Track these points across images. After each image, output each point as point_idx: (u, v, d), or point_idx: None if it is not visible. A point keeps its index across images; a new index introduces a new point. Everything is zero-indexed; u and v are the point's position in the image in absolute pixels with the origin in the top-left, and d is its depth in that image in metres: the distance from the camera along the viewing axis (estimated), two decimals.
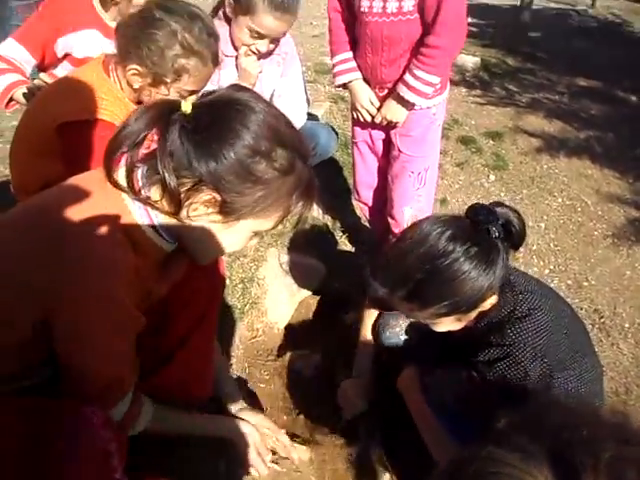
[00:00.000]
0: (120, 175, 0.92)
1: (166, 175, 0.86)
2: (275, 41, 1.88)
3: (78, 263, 0.86)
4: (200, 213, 0.91)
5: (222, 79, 1.94)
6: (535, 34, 6.11)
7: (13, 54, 1.75)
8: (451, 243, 1.12)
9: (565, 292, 2.46)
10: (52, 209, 0.91)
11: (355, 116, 1.90)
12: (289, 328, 1.93)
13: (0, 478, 0.84)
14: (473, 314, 1.24)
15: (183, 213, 0.92)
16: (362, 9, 1.68)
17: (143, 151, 0.91)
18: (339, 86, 1.90)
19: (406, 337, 1.56)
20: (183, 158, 0.87)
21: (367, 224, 2.27)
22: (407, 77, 1.68)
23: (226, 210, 0.91)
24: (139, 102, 1.48)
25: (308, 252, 2.10)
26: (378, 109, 1.81)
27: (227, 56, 1.91)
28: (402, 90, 1.70)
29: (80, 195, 0.92)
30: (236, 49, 1.89)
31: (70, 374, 0.92)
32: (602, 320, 2.37)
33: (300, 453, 1.50)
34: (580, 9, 8.10)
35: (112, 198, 0.92)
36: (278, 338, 1.89)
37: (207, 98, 0.92)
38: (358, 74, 1.81)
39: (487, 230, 1.14)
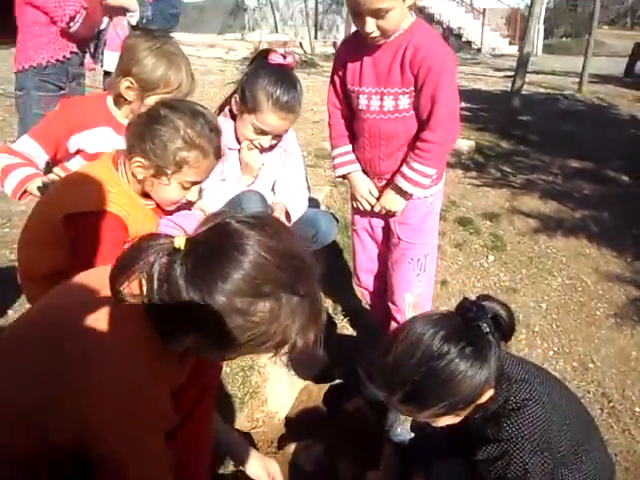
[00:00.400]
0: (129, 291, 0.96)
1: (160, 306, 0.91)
2: (277, 137, 1.98)
3: (115, 391, 0.90)
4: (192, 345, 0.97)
5: (226, 171, 2.03)
6: (526, 118, 6.41)
7: (28, 149, 1.85)
8: (445, 344, 1.14)
9: (571, 375, 2.42)
10: (71, 325, 0.94)
11: (355, 205, 1.97)
12: (290, 417, 1.89)
13: None
14: (471, 408, 1.24)
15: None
16: (360, 107, 1.78)
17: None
18: (339, 177, 1.98)
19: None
20: (173, 299, 0.90)
21: (368, 307, 2.28)
22: (404, 169, 1.76)
23: (213, 347, 0.97)
24: (144, 194, 1.55)
25: None
26: (377, 199, 1.88)
27: (231, 149, 2.01)
28: (400, 181, 1.77)
29: (98, 308, 0.96)
30: (239, 143, 1.99)
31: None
32: (611, 404, 2.31)
33: None
34: (567, 93, 8.53)
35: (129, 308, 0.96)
36: (279, 428, 1.84)
37: (202, 235, 0.93)
38: (357, 166, 1.89)
39: (478, 326, 1.17)
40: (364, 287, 2.13)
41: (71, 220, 1.41)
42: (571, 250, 3.44)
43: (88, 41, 2.42)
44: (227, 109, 2.04)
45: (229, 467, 1.59)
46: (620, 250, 3.45)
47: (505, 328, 1.21)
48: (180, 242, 0.91)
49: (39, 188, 1.70)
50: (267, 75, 1.88)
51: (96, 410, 0.89)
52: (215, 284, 0.88)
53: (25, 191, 1.78)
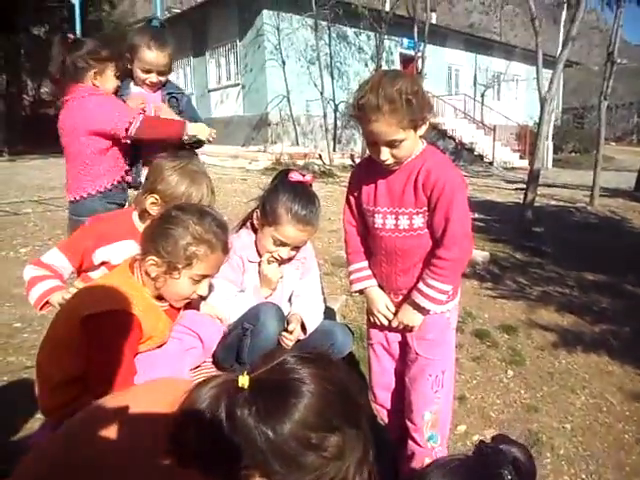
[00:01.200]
0: None
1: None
2: (295, 249, 2.06)
3: None
4: None
5: (245, 282, 2.09)
6: (539, 229, 6.52)
7: (54, 262, 1.95)
8: None
9: None
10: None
11: (372, 320, 1.98)
12: None
13: None
14: None
15: None
16: (376, 225, 1.86)
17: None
18: (355, 292, 2.02)
19: None
20: (238, 439, 0.90)
21: (383, 423, 2.20)
22: (421, 286, 1.79)
23: None
24: (159, 297, 1.61)
25: None
26: (394, 314, 1.89)
27: (251, 262, 2.08)
28: (417, 297, 1.80)
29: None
30: (260, 256, 2.07)
31: None
32: None
33: None
34: (579, 206, 8.74)
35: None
36: None
37: (264, 374, 0.95)
38: (374, 281, 1.94)
39: (500, 474, 1.10)
40: (380, 404, 2.07)
41: (88, 321, 1.46)
42: (592, 367, 3.35)
43: (156, 147, 2.41)
44: (249, 223, 2.15)
45: None
46: None
47: (525, 475, 1.11)
48: (244, 381, 0.92)
49: (60, 304, 1.77)
50: (287, 191, 2.01)
51: None
52: (287, 419, 0.88)
53: (47, 302, 1.86)
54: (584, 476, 2.46)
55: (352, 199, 1.97)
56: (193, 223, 1.54)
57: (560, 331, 3.75)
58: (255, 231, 2.11)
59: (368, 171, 1.89)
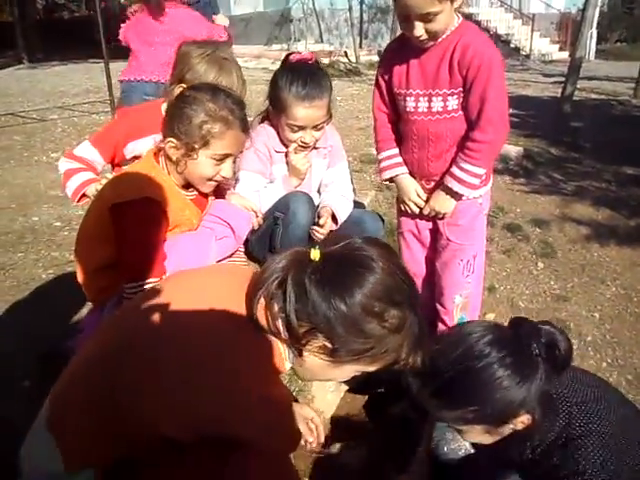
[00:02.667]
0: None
1: (291, 316, 0.97)
2: (317, 128, 1.99)
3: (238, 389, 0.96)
4: (312, 351, 1.01)
5: (274, 173, 2.07)
6: (577, 124, 6.22)
7: (87, 155, 1.95)
8: (488, 347, 1.13)
9: (626, 388, 2.32)
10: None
11: (403, 208, 1.96)
12: (335, 418, 1.89)
13: None
14: (504, 430, 1.20)
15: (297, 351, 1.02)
16: (408, 109, 1.78)
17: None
18: (385, 180, 1.98)
19: (464, 455, 1.51)
20: (306, 304, 0.96)
21: None
22: (454, 169, 1.75)
23: (335, 355, 0.99)
24: (186, 186, 1.61)
25: None
26: (425, 201, 1.87)
27: (277, 152, 2.05)
28: (450, 182, 1.76)
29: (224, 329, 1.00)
30: (285, 146, 2.03)
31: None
32: None
33: None
34: (622, 99, 8.23)
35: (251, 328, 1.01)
36: (324, 427, 1.85)
37: (335, 249, 1.00)
38: (404, 168, 1.89)
39: (529, 346, 1.15)
40: None
41: (116, 210, 1.48)
42: (625, 259, 3.31)
43: None
44: (267, 122, 2.10)
45: None
46: None
47: (559, 360, 1.16)
48: (315, 254, 0.97)
49: (95, 193, 1.79)
50: (285, 73, 1.96)
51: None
52: (354, 286, 0.94)
53: (84, 194, 1.88)
54: (610, 360, 2.52)
55: (382, 83, 1.88)
56: (206, 100, 1.50)
57: (594, 225, 3.69)
58: (274, 126, 2.06)
59: (399, 52, 1.79)
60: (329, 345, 0.97)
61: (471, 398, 1.13)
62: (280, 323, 0.99)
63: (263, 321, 1.00)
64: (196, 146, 1.50)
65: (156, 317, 0.99)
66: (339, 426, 1.86)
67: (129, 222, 1.48)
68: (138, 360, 0.96)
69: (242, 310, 1.00)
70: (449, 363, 1.14)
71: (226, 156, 1.56)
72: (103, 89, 6.14)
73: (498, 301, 2.80)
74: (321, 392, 1.86)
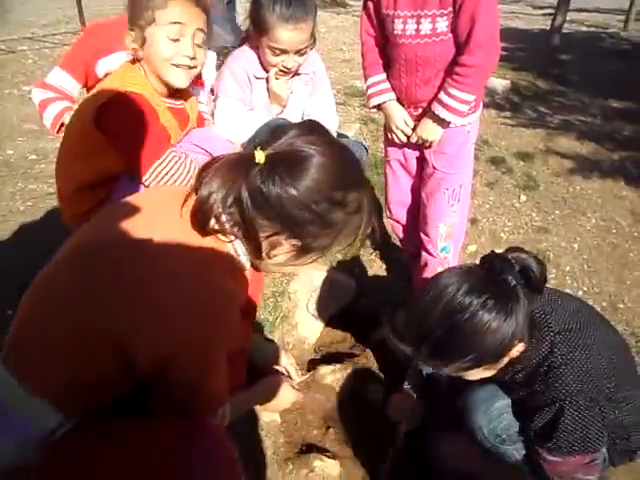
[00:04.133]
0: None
1: (252, 224, 0.95)
2: (300, 53, 1.92)
3: (203, 300, 0.91)
4: (281, 253, 1.01)
5: (254, 100, 2.01)
6: (566, 57, 6.11)
7: (60, 82, 1.86)
8: (467, 297, 1.13)
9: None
10: (153, 253, 0.94)
11: (390, 137, 1.93)
12: (319, 343, 1.94)
13: None
14: (502, 363, 1.23)
15: (264, 254, 1.01)
16: (395, 32, 1.72)
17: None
18: (373, 107, 1.93)
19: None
20: (264, 209, 0.94)
21: (397, 242, 2.28)
22: (442, 96, 1.71)
23: (304, 250, 1.00)
24: (168, 96, 1.55)
25: (339, 269, 2.11)
26: (413, 129, 1.84)
27: (257, 78, 1.98)
28: (437, 109, 1.72)
29: (171, 237, 0.96)
30: (266, 71, 1.95)
31: (178, 394, 0.95)
32: (638, 343, 2.31)
33: (330, 468, 1.51)
34: (612, 32, 8.06)
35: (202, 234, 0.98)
36: (308, 352, 1.90)
37: (278, 146, 0.96)
38: (392, 95, 1.84)
39: (504, 280, 1.15)
40: (395, 219, 2.11)
41: (100, 114, 1.41)
42: (607, 192, 3.35)
43: None
44: (247, 44, 2.00)
45: None
46: None
47: (535, 281, 1.17)
48: (260, 156, 0.94)
49: None
50: None
51: (177, 330, 0.89)
52: (310, 179, 0.93)
53: (62, 124, 1.81)
54: (586, 289, 2.60)
55: (370, 4, 1.79)
56: None
57: (578, 158, 3.70)
58: (254, 48, 1.97)
59: None
60: (298, 243, 0.98)
61: (465, 349, 1.15)
62: (240, 235, 0.99)
63: (224, 238, 0.98)
64: (143, 23, 1.43)
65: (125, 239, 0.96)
66: (322, 351, 1.91)
67: (118, 118, 1.42)
68: (119, 278, 0.92)
69: (194, 229, 0.97)
70: (434, 323, 1.14)
71: (179, 31, 1.45)
72: (75, 19, 5.82)
73: (480, 233, 2.83)
74: (305, 318, 1.90)
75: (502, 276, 1.15)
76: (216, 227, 0.97)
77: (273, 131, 1.00)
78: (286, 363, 1.63)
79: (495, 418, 1.38)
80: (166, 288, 0.90)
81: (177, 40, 1.46)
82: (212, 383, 0.98)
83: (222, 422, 1.07)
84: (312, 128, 1.00)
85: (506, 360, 1.22)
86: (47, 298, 0.95)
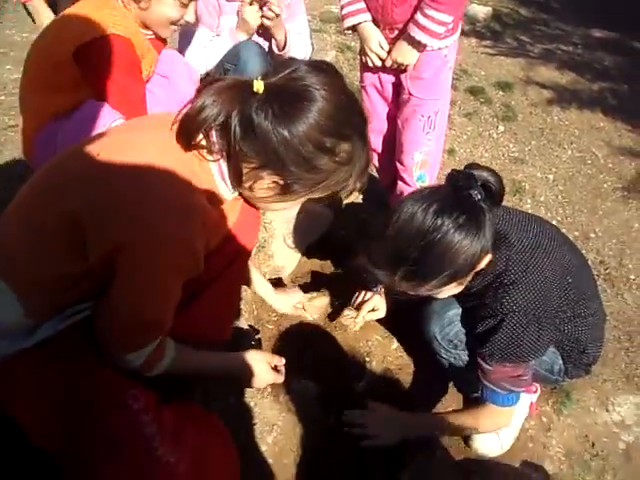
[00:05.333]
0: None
1: (238, 153, 0.93)
2: None
3: (160, 205, 0.88)
4: (262, 188, 0.99)
5: (221, 24, 1.92)
6: None
7: None
8: (439, 217, 1.14)
9: None
10: (123, 155, 0.92)
11: (364, 60, 1.86)
12: (296, 272, 1.94)
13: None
14: (471, 275, 1.28)
15: (246, 185, 0.99)
16: None
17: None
18: (348, 29, 1.84)
19: None
20: (253, 139, 0.92)
21: (374, 173, 2.25)
22: (418, 16, 1.64)
23: (286, 190, 0.98)
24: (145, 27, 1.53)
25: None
26: (388, 52, 1.77)
27: (228, 1, 1.88)
28: (413, 30, 1.66)
29: (150, 143, 0.94)
30: None
31: (115, 308, 0.94)
32: (607, 271, 2.37)
33: (308, 389, 1.55)
34: None
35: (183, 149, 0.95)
36: (285, 282, 1.91)
37: (279, 79, 0.93)
38: (368, 15, 1.76)
39: (469, 195, 1.16)
40: (372, 148, 2.07)
41: (82, 52, 1.39)
42: (584, 123, 3.34)
43: None
44: None
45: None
46: (635, 124, 3.35)
47: (495, 194, 1.20)
48: (259, 85, 0.91)
49: None
50: None
51: (142, 233, 0.87)
52: (302, 120, 0.90)
53: None
54: (559, 219, 2.64)
55: None
56: None
57: (557, 88, 3.65)
58: None
59: None
60: (280, 182, 0.97)
61: (440, 268, 1.17)
62: (223, 161, 0.97)
63: (209, 156, 0.96)
64: None
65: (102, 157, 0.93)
66: (299, 280, 1.92)
67: (99, 60, 1.40)
68: (87, 167, 0.92)
69: (180, 141, 0.95)
70: (409, 245, 1.15)
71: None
72: None
73: (457, 164, 2.82)
74: (281, 248, 1.89)
75: (467, 192, 1.17)
76: (202, 143, 0.95)
77: (282, 62, 0.97)
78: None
79: (447, 325, 1.48)
80: (128, 183, 0.88)
81: (186, 6, 1.50)
82: (153, 301, 0.95)
83: (158, 356, 1.04)
84: (325, 69, 0.96)
85: (474, 273, 1.27)
86: (23, 198, 0.97)
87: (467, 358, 1.50)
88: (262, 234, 1.86)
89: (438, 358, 1.56)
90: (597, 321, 1.50)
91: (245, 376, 1.29)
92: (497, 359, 1.31)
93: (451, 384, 1.73)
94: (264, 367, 1.31)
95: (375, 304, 1.65)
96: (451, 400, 1.72)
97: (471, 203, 1.16)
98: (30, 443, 0.95)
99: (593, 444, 1.74)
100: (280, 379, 1.36)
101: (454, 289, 1.28)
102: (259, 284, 1.66)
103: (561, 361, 1.51)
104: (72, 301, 0.98)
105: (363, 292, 1.70)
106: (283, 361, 1.38)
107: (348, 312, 1.70)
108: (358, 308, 1.67)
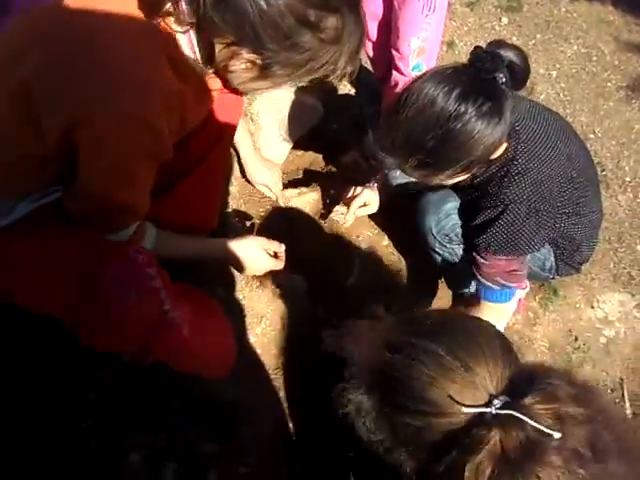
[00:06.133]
0: None
1: (205, 22, 0.81)
2: None
3: (116, 78, 0.79)
4: (238, 68, 0.88)
5: None
6: None
7: None
8: (463, 104, 1.05)
9: None
10: (81, 20, 0.81)
11: None
12: (285, 167, 1.87)
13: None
14: (486, 164, 1.22)
15: (220, 63, 0.88)
16: None
17: None
18: None
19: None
20: (224, 11, 0.79)
21: (368, 64, 2.11)
22: None
23: (265, 70, 0.87)
24: None
25: (304, 89, 1.97)
26: None
27: None
28: None
29: (112, 8, 0.82)
30: None
31: (84, 192, 0.88)
32: (604, 173, 2.33)
33: (296, 282, 1.54)
34: None
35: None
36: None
37: None
38: None
39: (494, 78, 1.06)
40: (367, 37, 1.93)
41: None
42: (593, 16, 3.12)
43: None
44: None
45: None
46: None
47: (519, 76, 1.10)
48: None
49: None
50: None
51: (97, 107, 0.79)
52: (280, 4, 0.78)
53: None
54: None
55: None
56: None
57: None
58: None
59: None
60: (258, 61, 0.86)
61: (458, 157, 1.10)
62: (193, 32, 0.86)
63: (177, 27, 0.85)
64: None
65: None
66: (288, 175, 1.86)
67: None
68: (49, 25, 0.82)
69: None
70: (427, 133, 1.06)
71: None
72: None
73: (457, 57, 2.66)
74: (269, 141, 1.80)
75: (492, 75, 1.07)
76: (170, 10, 0.82)
77: None
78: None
79: (443, 219, 1.44)
80: (83, 50, 0.79)
81: None
82: (120, 184, 0.89)
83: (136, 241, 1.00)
84: None
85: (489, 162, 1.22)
86: None
87: (462, 253, 1.48)
88: (249, 126, 1.76)
89: (431, 253, 1.54)
90: (594, 221, 1.47)
91: (243, 262, 1.23)
92: (493, 251, 1.29)
93: (441, 281, 1.74)
94: (262, 253, 1.26)
95: (366, 199, 1.60)
96: (440, 297, 1.74)
97: (495, 88, 1.07)
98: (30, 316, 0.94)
99: (576, 338, 1.78)
100: (280, 265, 1.31)
101: (462, 177, 1.22)
102: (244, 145, 1.57)
103: (553, 258, 1.50)
104: (44, 185, 0.93)
105: (354, 187, 1.64)
106: (283, 247, 1.31)
107: (338, 208, 1.65)
108: (348, 204, 1.62)
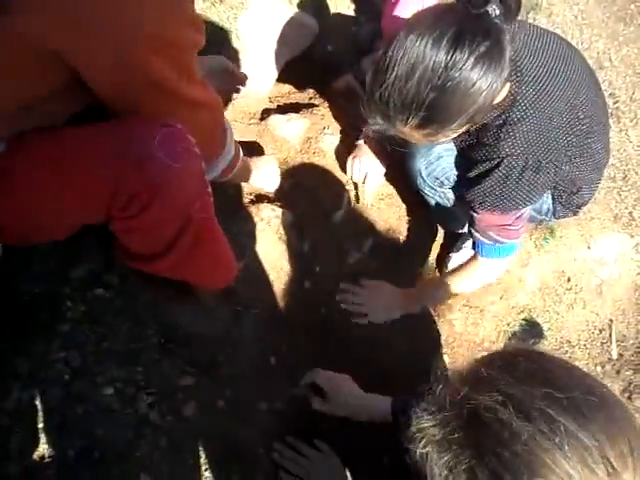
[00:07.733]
0: None
1: None
2: None
3: None
4: None
5: None
6: None
7: None
8: (457, 49, 0.92)
9: None
10: None
11: None
12: (274, 92, 1.76)
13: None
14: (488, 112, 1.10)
15: None
16: None
17: None
18: None
19: None
20: None
21: None
22: None
23: None
24: None
25: (297, 5, 1.81)
26: None
27: None
28: None
29: None
30: None
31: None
32: (616, 105, 2.21)
33: (281, 217, 1.49)
34: None
35: None
36: (262, 102, 1.73)
37: None
38: None
39: (486, 13, 0.93)
40: None
41: None
42: None
43: None
44: None
45: None
46: None
47: (511, 4, 0.97)
48: None
49: None
50: None
51: None
52: None
53: None
54: (574, 43, 2.32)
55: None
56: None
57: None
58: None
59: None
60: None
61: (459, 110, 0.99)
62: None
63: None
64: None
65: None
66: (280, 101, 1.75)
67: None
68: None
69: None
70: (422, 87, 0.94)
71: None
72: None
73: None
74: (257, 65, 1.69)
75: (483, 8, 0.94)
76: None
77: None
78: None
79: (434, 162, 1.36)
80: None
81: None
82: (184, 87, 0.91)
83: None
84: None
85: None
86: None
87: (453, 197, 1.42)
88: (235, 43, 1.63)
89: (423, 195, 1.47)
90: (599, 162, 1.36)
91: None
92: (487, 207, 1.21)
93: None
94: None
95: (372, 173, 1.57)
96: (431, 235, 1.69)
97: (489, 23, 0.95)
98: None
99: (569, 279, 1.75)
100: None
101: (467, 127, 1.11)
102: None
103: (550, 201, 1.42)
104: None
105: (355, 161, 1.58)
106: None
107: (328, 138, 1.57)
108: (356, 186, 1.59)
